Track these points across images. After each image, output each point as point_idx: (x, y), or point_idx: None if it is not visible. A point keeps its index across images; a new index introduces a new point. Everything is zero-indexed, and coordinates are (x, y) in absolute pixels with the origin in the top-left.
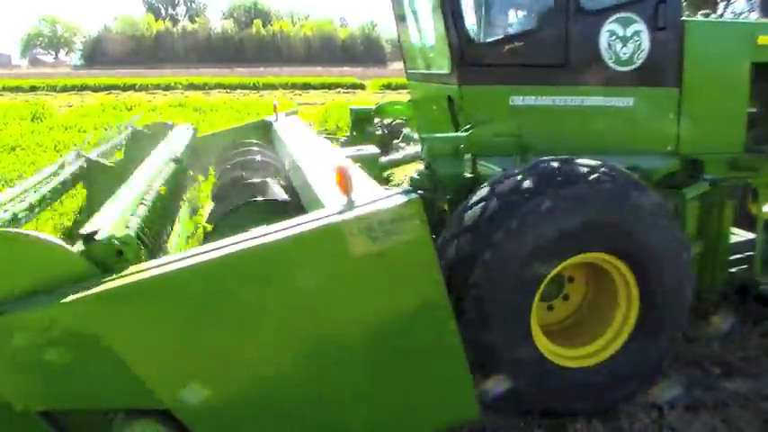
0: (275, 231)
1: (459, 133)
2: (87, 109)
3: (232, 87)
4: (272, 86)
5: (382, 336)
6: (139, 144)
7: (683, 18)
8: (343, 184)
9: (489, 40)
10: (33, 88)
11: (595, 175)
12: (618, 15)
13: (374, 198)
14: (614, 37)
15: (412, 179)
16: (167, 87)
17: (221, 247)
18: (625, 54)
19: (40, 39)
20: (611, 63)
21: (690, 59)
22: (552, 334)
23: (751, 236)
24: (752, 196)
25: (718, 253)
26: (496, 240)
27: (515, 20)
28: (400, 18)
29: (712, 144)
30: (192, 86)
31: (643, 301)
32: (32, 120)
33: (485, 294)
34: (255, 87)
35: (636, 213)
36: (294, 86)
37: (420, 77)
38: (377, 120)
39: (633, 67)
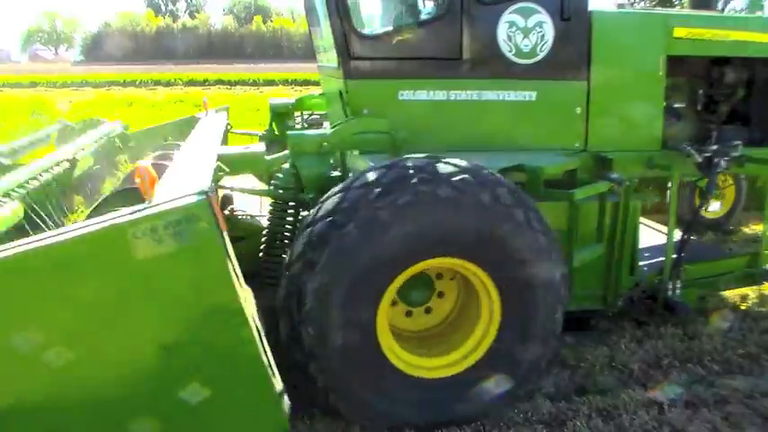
0: (70, 231)
1: (323, 130)
2: (88, 105)
3: (232, 83)
4: (273, 82)
5: (176, 343)
6: (69, 140)
7: (591, 8)
8: (143, 186)
9: (376, 32)
10: (33, 84)
11: (454, 175)
12: (518, 5)
13: (165, 199)
14: (514, 28)
15: (276, 178)
16: (168, 83)
17: (21, 246)
18: (526, 46)
19: (40, 34)
20: (510, 56)
21: (598, 51)
22: (417, 340)
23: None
24: (700, 196)
25: (623, 257)
26: (338, 242)
27: (405, 11)
28: (307, 12)
29: (626, 141)
30: (192, 82)
31: (505, 313)
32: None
33: (323, 296)
34: (255, 83)
35: (495, 218)
36: (294, 82)
37: (323, 71)
38: (297, 114)
39: (535, 59)
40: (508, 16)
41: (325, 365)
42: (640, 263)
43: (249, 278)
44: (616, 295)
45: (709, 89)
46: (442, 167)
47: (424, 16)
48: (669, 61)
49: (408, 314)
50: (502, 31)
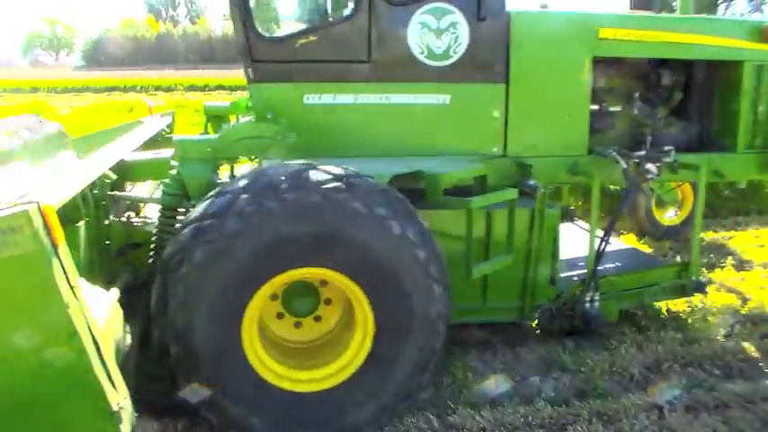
0: None
1: (210, 136)
2: (89, 111)
3: (232, 89)
4: None
5: (8, 360)
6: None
7: (510, 9)
8: None
9: (280, 35)
10: (35, 89)
11: (325, 183)
12: (430, 6)
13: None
14: (426, 29)
15: (164, 184)
16: (168, 89)
17: None
18: (439, 48)
19: (41, 40)
20: (422, 58)
21: (517, 53)
22: (296, 352)
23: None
24: (657, 202)
25: (541, 267)
26: (199, 254)
27: (310, 13)
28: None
29: (548, 146)
30: (192, 88)
31: (378, 327)
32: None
33: (186, 306)
34: None
35: (365, 229)
36: None
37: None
38: (232, 117)
39: (449, 61)
40: (419, 17)
41: (193, 377)
42: (576, 273)
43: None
44: (533, 307)
45: (646, 92)
46: (314, 175)
47: (330, 18)
48: (602, 63)
49: (297, 325)
50: (413, 33)
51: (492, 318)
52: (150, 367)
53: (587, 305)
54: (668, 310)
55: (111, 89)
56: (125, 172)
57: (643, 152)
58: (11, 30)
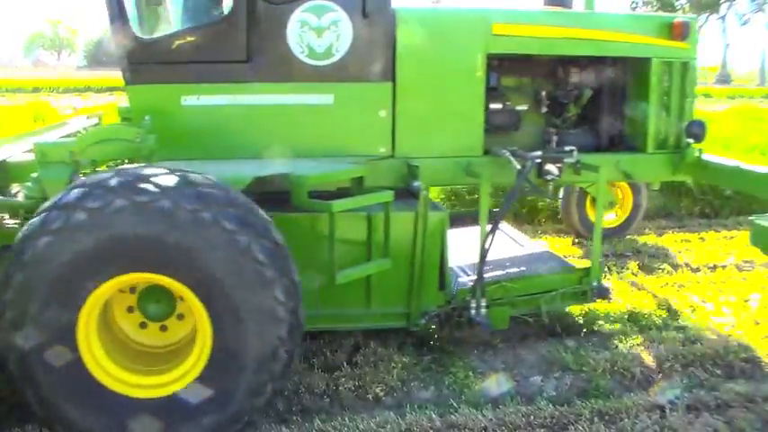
0: None
1: (69, 139)
2: (89, 111)
3: None
4: None
5: None
6: None
7: (396, 6)
8: None
9: (156, 35)
10: (36, 89)
11: (177, 189)
12: (310, 4)
13: None
14: (306, 28)
15: (26, 187)
16: None
17: None
18: (320, 47)
19: (43, 40)
20: (303, 57)
21: (404, 51)
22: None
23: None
24: (591, 202)
25: (427, 272)
26: (45, 238)
27: (187, 13)
28: None
29: (440, 146)
30: None
31: (216, 341)
32: (34, 122)
33: (25, 287)
34: None
35: (211, 241)
36: None
37: None
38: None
39: (332, 60)
40: (299, 15)
41: (31, 382)
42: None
43: None
44: (419, 313)
45: (554, 91)
46: (167, 179)
47: (207, 18)
48: (507, 60)
49: (143, 326)
50: (292, 31)
51: (378, 324)
52: None
53: (473, 312)
54: (669, 309)
55: (113, 89)
56: (6, 173)
57: (539, 152)
58: (13, 30)
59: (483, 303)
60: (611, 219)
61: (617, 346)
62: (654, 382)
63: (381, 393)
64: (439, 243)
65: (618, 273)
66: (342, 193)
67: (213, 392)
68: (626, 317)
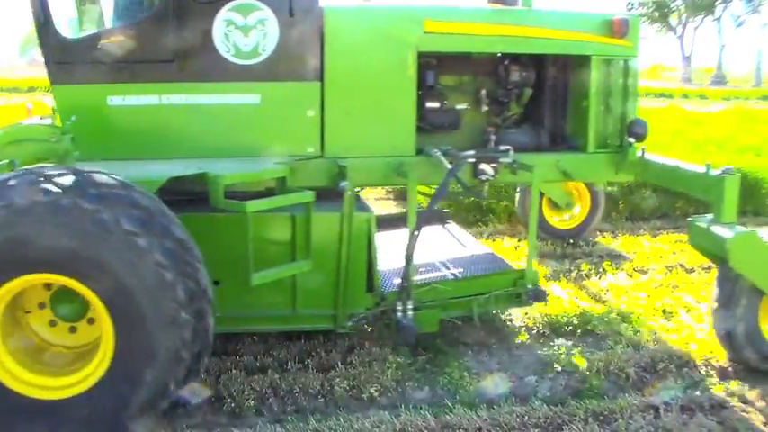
0: None
1: None
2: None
3: None
4: None
5: None
6: None
7: (324, 4)
8: None
9: (81, 35)
10: (32, 89)
11: (80, 189)
12: (236, 2)
13: None
14: (232, 27)
15: None
16: None
17: None
18: (247, 46)
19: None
20: (229, 56)
21: (332, 50)
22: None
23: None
24: (547, 202)
25: (354, 274)
26: None
27: (113, 13)
28: None
29: (370, 146)
30: None
31: (116, 340)
32: None
33: None
34: None
35: (111, 242)
36: None
37: None
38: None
39: (258, 59)
40: (225, 14)
41: None
42: (422, 278)
43: None
44: (346, 315)
45: (495, 89)
46: (70, 179)
47: (132, 17)
48: (445, 59)
49: (52, 323)
50: (218, 31)
51: (303, 326)
52: None
53: (400, 315)
54: (664, 310)
55: None
56: None
57: (471, 152)
58: (9, 30)
59: (409, 306)
60: (566, 220)
61: (611, 347)
62: (648, 382)
63: (376, 393)
64: (365, 244)
65: (613, 273)
66: (269, 194)
67: (113, 396)
68: (620, 317)
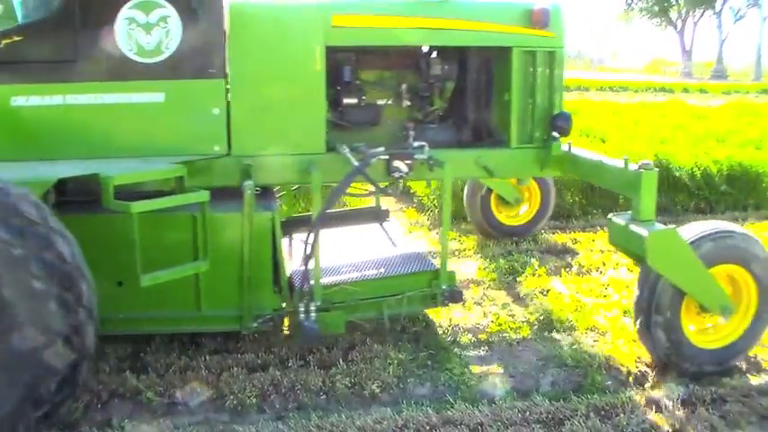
0: None
1: None
2: None
3: None
4: None
5: None
6: None
7: (228, 0)
8: None
9: None
10: None
11: None
12: (137, 0)
13: None
14: (134, 25)
15: None
16: None
17: None
18: (149, 44)
19: None
20: (132, 55)
21: (237, 46)
22: None
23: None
24: (497, 200)
25: (258, 274)
26: None
27: (16, 11)
28: None
29: (278, 144)
30: None
31: None
32: None
33: None
34: None
35: None
36: None
37: None
38: None
39: (162, 57)
40: (127, 12)
41: None
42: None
43: None
44: (251, 316)
45: (416, 84)
46: None
47: (34, 16)
48: (363, 53)
49: None
50: (121, 29)
51: (209, 327)
52: (150, 369)
53: (302, 316)
54: None
55: None
56: None
57: (381, 149)
58: None
59: (312, 307)
60: (517, 216)
61: (613, 342)
62: (649, 377)
63: (378, 390)
64: (269, 244)
65: (614, 268)
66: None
67: None
68: (622, 312)
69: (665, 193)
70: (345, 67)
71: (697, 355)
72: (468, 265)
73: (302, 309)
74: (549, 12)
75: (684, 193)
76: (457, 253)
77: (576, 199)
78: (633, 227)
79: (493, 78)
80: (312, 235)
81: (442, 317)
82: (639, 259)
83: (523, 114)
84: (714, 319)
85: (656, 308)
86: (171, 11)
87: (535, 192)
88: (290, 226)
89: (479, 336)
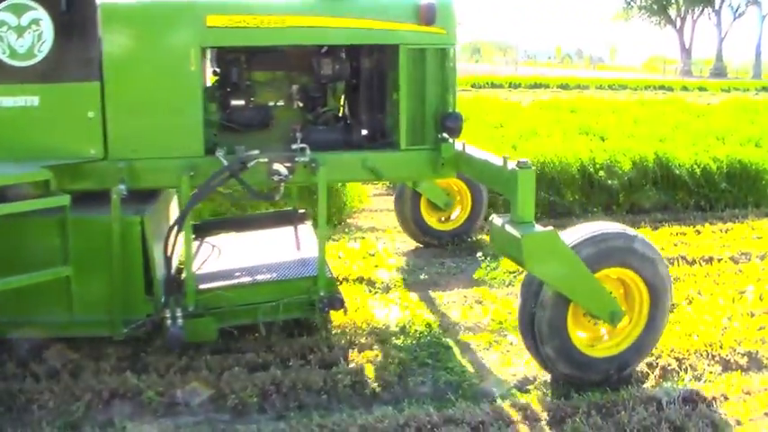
0: None
1: None
2: None
3: None
4: None
5: None
6: None
7: (101, 1)
8: None
9: None
10: None
11: None
12: (8, 2)
13: None
14: (6, 28)
15: None
16: None
17: None
18: (22, 47)
19: None
20: (4, 58)
21: (110, 48)
22: None
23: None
24: (426, 204)
25: (129, 279)
26: None
27: None
28: None
29: (156, 147)
30: None
31: None
32: None
33: None
34: None
35: None
36: None
37: None
38: None
39: (35, 60)
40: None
41: None
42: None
43: None
44: (121, 322)
45: (307, 84)
46: None
47: None
48: (254, 54)
49: None
50: None
51: (82, 332)
52: (151, 369)
53: (168, 322)
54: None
55: None
56: None
57: (256, 151)
58: None
59: (178, 313)
60: (450, 221)
61: None
62: (650, 374)
63: (379, 389)
64: (138, 248)
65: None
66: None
67: None
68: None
69: (665, 191)
70: (233, 67)
71: (587, 364)
72: (468, 263)
73: (168, 315)
74: (436, 7)
75: (684, 191)
76: (458, 252)
77: (576, 197)
78: (510, 229)
79: (385, 78)
80: (172, 239)
81: (442, 315)
82: (519, 263)
83: (413, 115)
84: (606, 325)
85: (540, 315)
86: (42, 13)
87: (465, 193)
88: (203, 229)
89: (480, 334)
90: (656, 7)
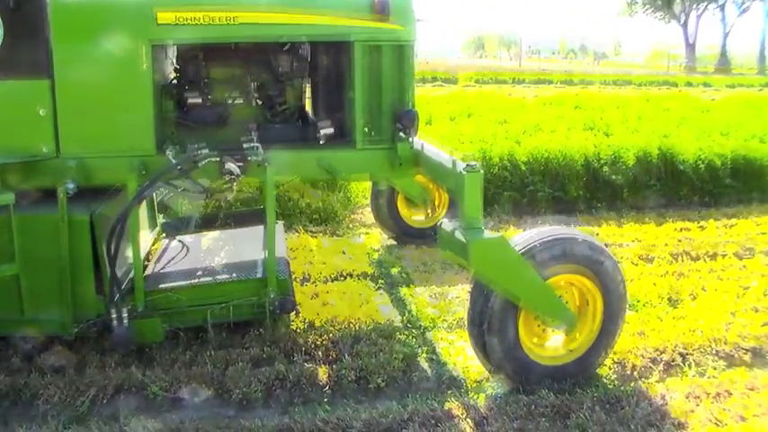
0: None
1: None
2: None
3: None
4: None
5: None
6: None
7: None
8: None
9: None
10: None
11: None
12: None
13: None
14: None
15: None
16: None
17: None
18: None
19: None
20: None
21: (60, 45)
22: None
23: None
24: (403, 200)
25: (78, 278)
26: None
27: None
28: None
29: (107, 144)
30: None
31: None
32: None
33: None
34: None
35: None
36: None
37: None
38: None
39: None
40: None
41: None
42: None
43: None
44: (71, 321)
45: (265, 81)
46: None
47: None
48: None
49: None
50: None
51: (35, 331)
52: (156, 364)
53: (114, 323)
54: (669, 298)
55: None
56: None
57: (205, 150)
58: None
59: (124, 314)
60: (423, 220)
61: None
62: (654, 370)
63: (383, 383)
64: (87, 247)
65: (618, 261)
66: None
67: None
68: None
69: (670, 186)
70: (190, 65)
71: (539, 371)
72: None
73: (114, 315)
74: (389, 1)
75: (688, 187)
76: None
77: (580, 192)
78: (458, 233)
79: (342, 75)
80: (116, 237)
81: (447, 310)
82: (467, 269)
83: (368, 113)
84: (559, 331)
85: (489, 322)
86: None
87: (442, 192)
88: (174, 228)
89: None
90: (660, 2)
